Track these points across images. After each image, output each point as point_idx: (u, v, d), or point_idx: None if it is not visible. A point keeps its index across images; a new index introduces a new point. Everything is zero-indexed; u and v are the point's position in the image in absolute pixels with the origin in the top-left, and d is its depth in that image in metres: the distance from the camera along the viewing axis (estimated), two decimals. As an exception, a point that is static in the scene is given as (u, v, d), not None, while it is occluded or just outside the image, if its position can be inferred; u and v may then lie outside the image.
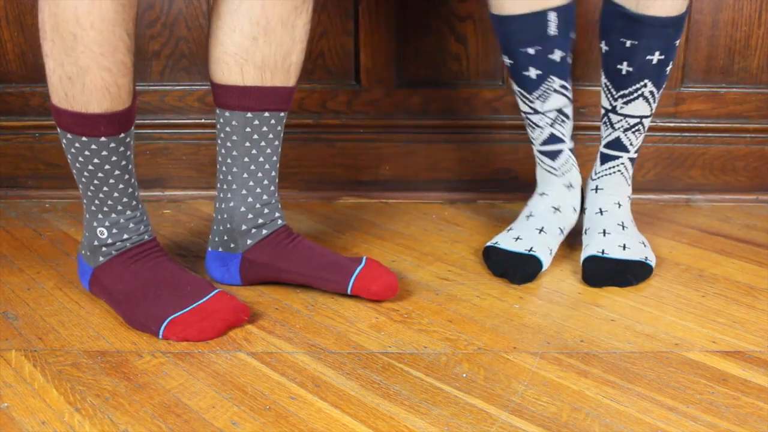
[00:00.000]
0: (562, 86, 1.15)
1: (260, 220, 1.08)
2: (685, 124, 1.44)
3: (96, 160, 0.97)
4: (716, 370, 0.90)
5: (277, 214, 1.09)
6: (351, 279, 1.04)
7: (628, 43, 1.09)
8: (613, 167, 1.19)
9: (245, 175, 1.06)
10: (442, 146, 1.47)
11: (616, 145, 1.18)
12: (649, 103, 1.14)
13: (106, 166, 0.97)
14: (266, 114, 1.04)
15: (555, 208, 1.19)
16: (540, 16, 1.09)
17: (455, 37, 1.43)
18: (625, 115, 1.15)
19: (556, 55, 1.12)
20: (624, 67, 1.11)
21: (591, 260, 1.11)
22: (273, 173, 1.08)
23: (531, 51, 1.11)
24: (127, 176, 1.00)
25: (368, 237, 1.30)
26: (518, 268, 1.12)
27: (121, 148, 0.98)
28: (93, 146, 0.96)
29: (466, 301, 1.06)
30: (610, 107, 1.16)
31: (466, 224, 1.36)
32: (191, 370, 0.89)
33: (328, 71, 1.45)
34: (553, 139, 1.18)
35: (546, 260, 1.14)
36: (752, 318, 1.02)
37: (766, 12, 1.39)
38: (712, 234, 1.31)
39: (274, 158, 1.07)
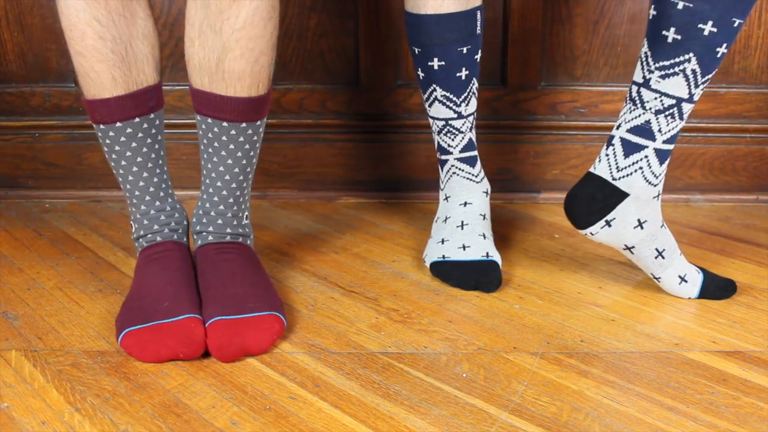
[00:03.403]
0: (477, 88, 1.16)
1: (198, 228, 1.05)
2: (685, 124, 1.44)
3: (117, 148, 1.01)
4: (716, 370, 0.90)
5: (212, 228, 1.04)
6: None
7: (681, 5, 0.95)
8: (636, 162, 1.03)
9: (206, 180, 1.03)
10: (442, 146, 1.47)
11: (643, 130, 1.02)
12: (689, 86, 0.99)
13: (127, 153, 1.01)
14: (243, 124, 0.99)
15: (482, 216, 1.17)
16: (470, 14, 1.10)
17: (455, 37, 1.43)
18: (660, 93, 1.00)
19: (479, 55, 1.14)
20: (671, 34, 0.97)
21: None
22: (230, 183, 1.02)
23: (464, 50, 1.11)
24: (150, 165, 1.02)
25: (368, 237, 1.30)
26: (490, 276, 1.09)
27: (140, 134, 1.00)
28: (111, 133, 1.00)
29: (466, 301, 1.06)
30: (642, 80, 1.01)
31: (466, 224, 1.36)
32: (191, 370, 0.89)
33: (328, 71, 1.45)
34: (470, 144, 1.17)
35: (501, 264, 1.12)
36: (752, 318, 1.02)
37: (766, 12, 1.39)
38: (712, 234, 1.31)
39: (222, 167, 1.01)
